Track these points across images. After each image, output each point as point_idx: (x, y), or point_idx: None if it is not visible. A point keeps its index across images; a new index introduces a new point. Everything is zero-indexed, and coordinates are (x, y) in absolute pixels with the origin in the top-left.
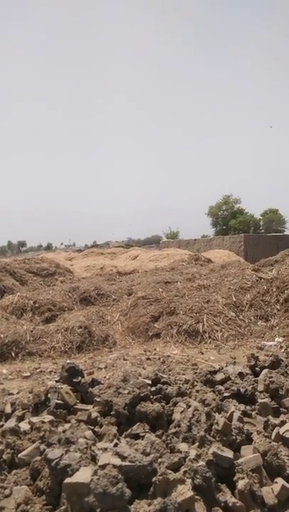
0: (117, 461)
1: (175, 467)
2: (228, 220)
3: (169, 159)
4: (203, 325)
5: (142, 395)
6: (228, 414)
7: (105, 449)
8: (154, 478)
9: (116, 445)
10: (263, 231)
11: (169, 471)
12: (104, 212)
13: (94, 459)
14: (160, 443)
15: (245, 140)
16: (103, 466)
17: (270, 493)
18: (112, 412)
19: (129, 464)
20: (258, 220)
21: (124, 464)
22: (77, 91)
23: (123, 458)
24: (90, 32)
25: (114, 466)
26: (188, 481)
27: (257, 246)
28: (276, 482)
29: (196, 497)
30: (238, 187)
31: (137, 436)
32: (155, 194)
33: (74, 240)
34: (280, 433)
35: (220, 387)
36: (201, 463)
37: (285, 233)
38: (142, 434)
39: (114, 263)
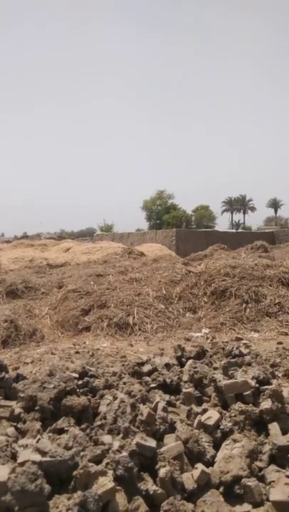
0: (37, 457)
1: (98, 459)
2: (162, 214)
3: (108, 154)
4: (134, 317)
5: (68, 388)
6: (153, 404)
7: (26, 446)
8: (74, 472)
9: (38, 441)
10: (194, 226)
11: (91, 464)
12: (36, 203)
13: (14, 456)
14: (83, 436)
15: (182, 140)
16: (22, 463)
17: (190, 478)
18: (37, 408)
19: (50, 459)
20: (190, 215)
21: (44, 459)
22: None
23: (43, 453)
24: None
25: (34, 463)
26: (110, 473)
27: (188, 241)
28: (196, 468)
29: (118, 487)
30: (171, 183)
31: (61, 431)
32: (90, 187)
33: (2, 230)
34: (202, 420)
35: (147, 378)
36: (124, 453)
37: (215, 229)
38: (66, 428)
39: (44, 255)
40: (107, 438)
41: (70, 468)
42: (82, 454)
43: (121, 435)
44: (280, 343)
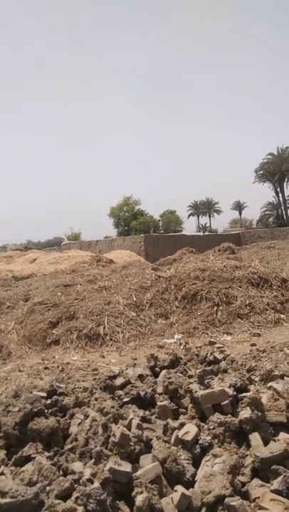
0: None
1: (66, 493)
2: (130, 221)
3: (73, 161)
4: (104, 327)
5: (35, 410)
6: (127, 422)
7: None
8: None
9: None
10: (162, 231)
11: (58, 501)
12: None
13: None
14: (49, 468)
15: (147, 146)
16: None
17: (169, 503)
18: (1, 434)
19: (10, 500)
20: (157, 221)
21: (4, 501)
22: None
23: (3, 494)
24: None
25: None
26: (80, 509)
27: (156, 245)
28: (176, 490)
29: None
30: (137, 190)
31: (28, 459)
32: (56, 195)
33: None
34: (179, 436)
35: (120, 392)
36: (96, 484)
37: (182, 233)
38: (33, 456)
39: (9, 267)
40: (77, 465)
41: (34, 508)
42: (48, 489)
43: (92, 460)
44: (253, 344)
